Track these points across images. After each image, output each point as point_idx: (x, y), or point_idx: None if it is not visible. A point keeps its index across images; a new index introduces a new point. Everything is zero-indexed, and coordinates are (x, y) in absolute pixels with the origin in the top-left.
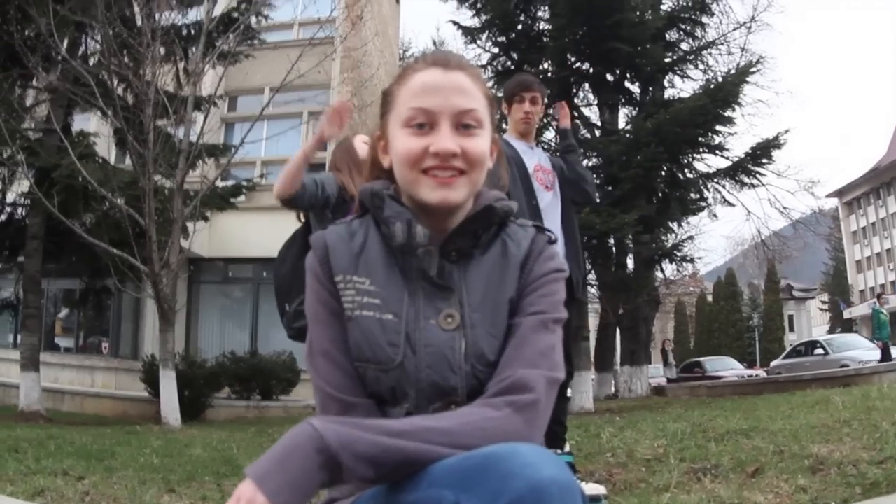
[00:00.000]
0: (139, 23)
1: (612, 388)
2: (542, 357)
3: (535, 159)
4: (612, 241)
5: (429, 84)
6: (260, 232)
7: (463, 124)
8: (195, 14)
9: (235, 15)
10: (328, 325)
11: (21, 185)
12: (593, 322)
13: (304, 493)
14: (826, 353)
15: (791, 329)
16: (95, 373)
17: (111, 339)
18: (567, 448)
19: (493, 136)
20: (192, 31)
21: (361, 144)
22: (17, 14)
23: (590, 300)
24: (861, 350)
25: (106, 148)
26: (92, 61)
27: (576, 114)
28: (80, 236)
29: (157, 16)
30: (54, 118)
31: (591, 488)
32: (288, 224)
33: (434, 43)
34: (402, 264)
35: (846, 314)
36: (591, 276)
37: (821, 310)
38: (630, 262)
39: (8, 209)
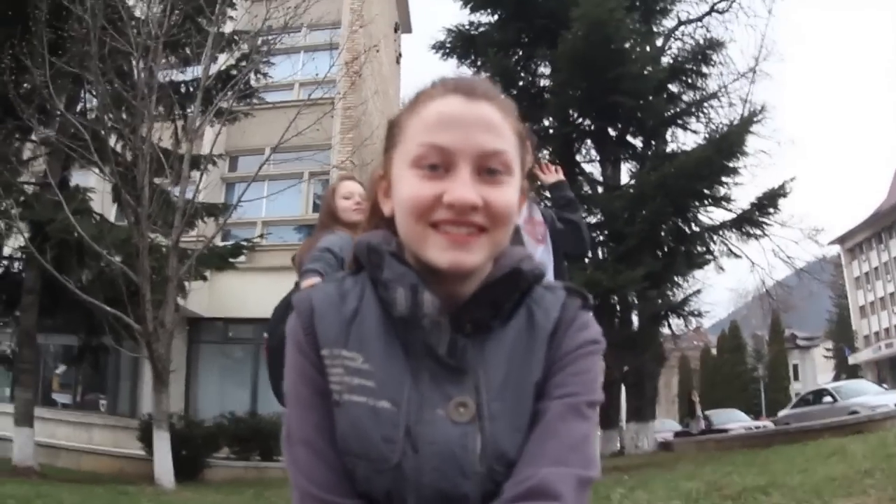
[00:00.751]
0: (136, 77)
1: (618, 445)
2: (571, 451)
3: (526, 211)
4: (615, 298)
5: (447, 115)
6: (260, 292)
7: (488, 169)
8: (193, 72)
9: (234, 72)
10: (312, 407)
11: (18, 239)
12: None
13: None
14: (835, 401)
15: (796, 378)
16: (93, 430)
17: (109, 397)
18: None
19: (522, 185)
20: (191, 89)
21: (341, 199)
22: (11, 63)
23: None
24: (870, 395)
25: (105, 204)
26: (91, 115)
27: (577, 170)
28: (75, 293)
29: (154, 72)
30: (50, 172)
31: None
32: (287, 285)
33: None
34: (404, 338)
35: (851, 360)
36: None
37: (825, 357)
38: (635, 319)
39: (4, 262)
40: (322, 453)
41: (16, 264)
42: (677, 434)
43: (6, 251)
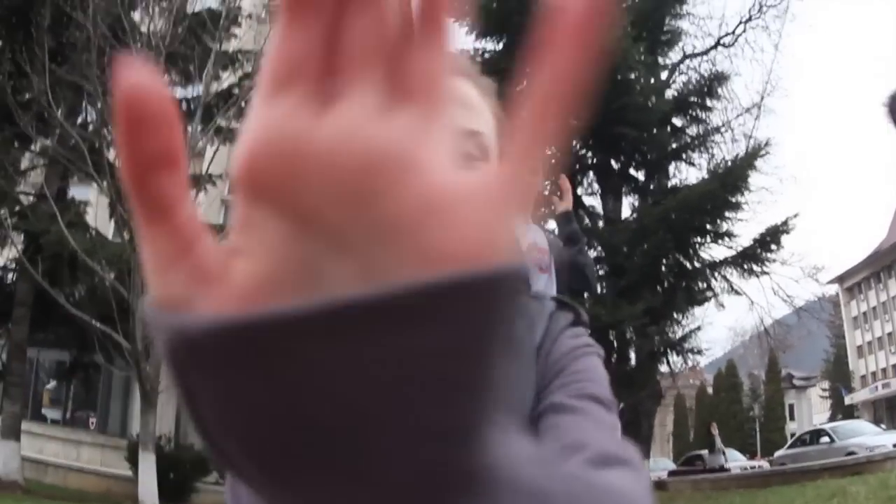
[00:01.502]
0: None
1: None
2: (598, 431)
3: (530, 237)
4: (612, 333)
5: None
6: None
7: (466, 149)
8: (194, 90)
9: (235, 91)
10: None
11: (11, 250)
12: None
13: None
14: (832, 441)
15: (792, 418)
16: (81, 447)
17: (99, 415)
18: None
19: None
20: (191, 107)
21: None
22: (8, 67)
23: None
24: (868, 436)
25: (102, 218)
26: (91, 128)
27: (579, 203)
28: (64, 306)
29: None
30: (47, 184)
31: None
32: None
33: None
34: None
35: (847, 400)
36: None
37: (821, 397)
38: (633, 355)
39: None
40: None
41: (9, 276)
42: (672, 473)
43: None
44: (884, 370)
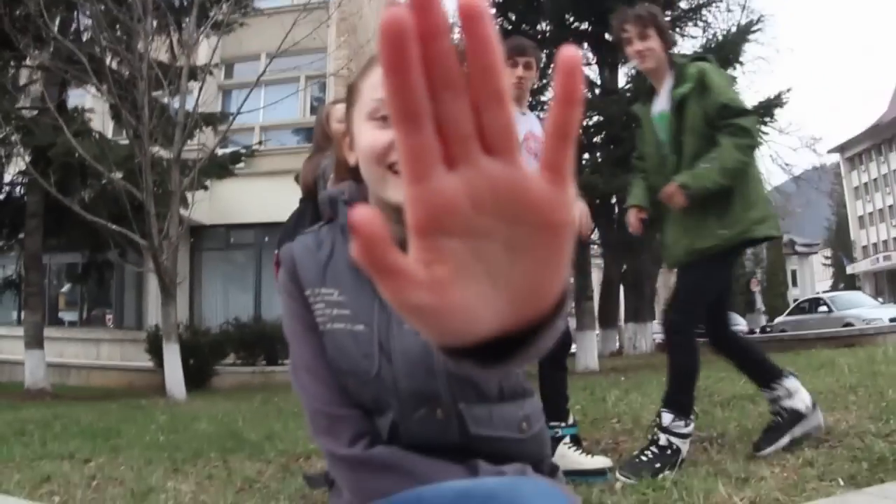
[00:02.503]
0: None
1: (617, 345)
2: None
3: (527, 126)
4: (613, 200)
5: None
6: (260, 197)
7: None
8: None
9: None
10: (306, 340)
11: (18, 165)
12: (597, 279)
13: None
14: (830, 311)
15: (794, 284)
16: (100, 345)
17: (115, 311)
18: (571, 420)
19: None
20: (185, 2)
21: (336, 123)
22: None
23: (592, 257)
24: (865, 308)
25: (101, 123)
26: (85, 38)
27: None
28: (79, 213)
29: None
30: (48, 96)
31: (598, 461)
32: (287, 189)
33: None
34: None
35: (849, 269)
36: (594, 235)
37: (824, 265)
38: None
39: (6, 188)
40: (320, 375)
41: (17, 189)
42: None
43: (7, 177)
44: (885, 242)
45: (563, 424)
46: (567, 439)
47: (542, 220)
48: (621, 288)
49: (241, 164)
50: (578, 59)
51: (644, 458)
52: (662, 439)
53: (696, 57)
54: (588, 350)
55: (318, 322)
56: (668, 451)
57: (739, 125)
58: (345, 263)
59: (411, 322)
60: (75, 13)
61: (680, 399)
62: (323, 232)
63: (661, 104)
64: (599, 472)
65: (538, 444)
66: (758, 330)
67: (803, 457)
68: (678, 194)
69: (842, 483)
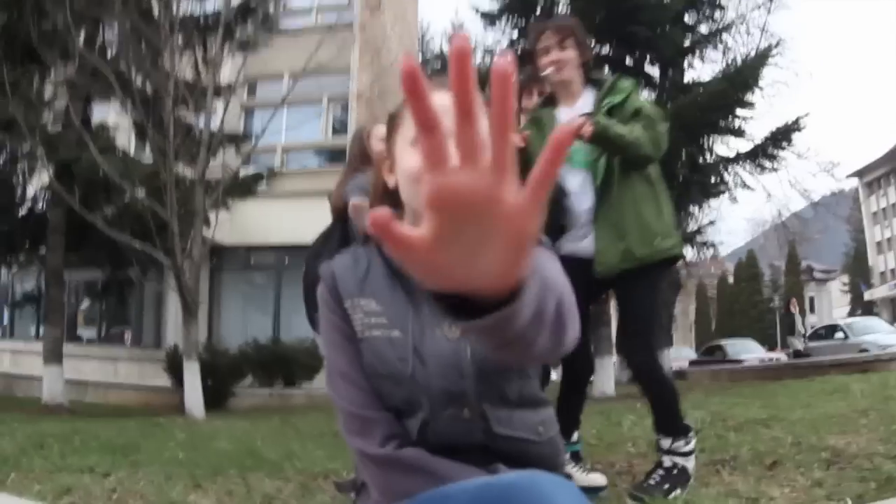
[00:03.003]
0: (156, 14)
1: None
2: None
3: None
4: None
5: (438, 107)
6: (281, 218)
7: None
8: (213, 4)
9: (253, 4)
10: (343, 349)
11: (42, 179)
12: (614, 304)
13: None
14: (846, 337)
15: (812, 310)
16: (118, 363)
17: (134, 329)
18: (575, 437)
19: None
20: (210, 21)
21: (377, 141)
22: (33, 10)
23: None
24: (881, 334)
25: (126, 139)
26: (110, 53)
27: None
28: (102, 229)
29: (174, 7)
30: (73, 111)
31: (593, 478)
32: (308, 211)
33: (453, 26)
34: (406, 284)
35: (867, 296)
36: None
37: (842, 291)
38: None
39: (29, 203)
40: (355, 381)
41: (40, 204)
42: (693, 363)
43: (30, 191)
44: None
45: (564, 441)
46: (567, 456)
47: (508, 228)
48: None
49: (263, 185)
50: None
51: (652, 482)
52: (666, 461)
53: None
54: (605, 376)
55: (357, 331)
56: (675, 471)
57: (654, 126)
58: (381, 277)
59: (413, 272)
60: (101, 28)
61: (670, 423)
62: (360, 251)
63: (571, 115)
64: (592, 490)
65: (553, 449)
66: (792, 352)
67: (812, 478)
68: (588, 126)
69: (850, 503)
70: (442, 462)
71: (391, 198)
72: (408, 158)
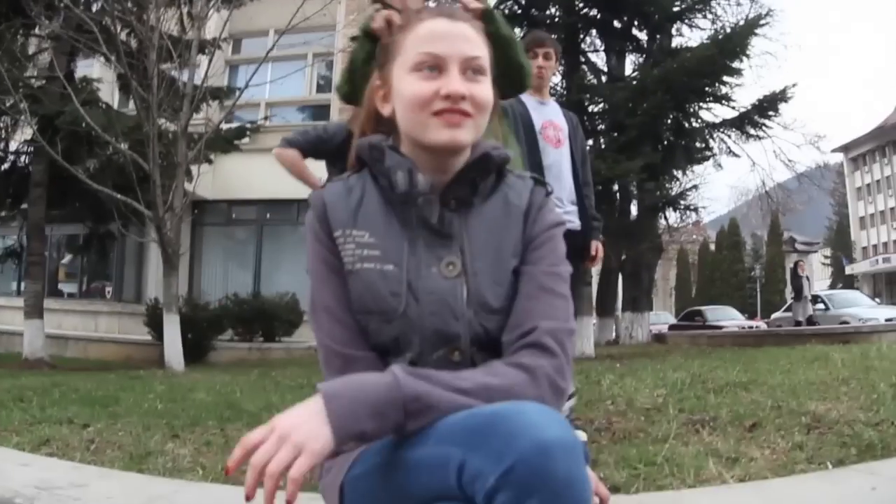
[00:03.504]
0: None
1: (613, 334)
2: (560, 310)
3: (546, 116)
4: (616, 187)
5: (437, 31)
6: (263, 173)
7: (471, 69)
8: None
9: None
10: (329, 281)
11: (24, 133)
12: (596, 267)
13: (361, 427)
14: (827, 309)
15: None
16: (99, 318)
17: (114, 284)
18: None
19: (493, 88)
20: None
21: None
22: None
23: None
24: (862, 307)
25: (109, 93)
26: (95, 7)
27: (582, 59)
28: (84, 182)
29: None
30: (57, 65)
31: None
32: None
33: None
34: (402, 215)
35: (848, 270)
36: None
37: (823, 264)
38: (634, 209)
39: (11, 157)
40: (339, 317)
41: (22, 158)
42: (672, 327)
43: (12, 146)
44: (885, 244)
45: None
46: (553, 411)
47: None
48: (619, 277)
49: (246, 140)
50: None
51: None
52: None
53: None
54: (584, 336)
55: (347, 262)
56: None
57: None
58: (376, 207)
59: None
60: None
61: None
62: (352, 179)
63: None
64: None
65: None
66: (804, 321)
67: (793, 441)
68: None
69: (830, 466)
70: None
71: (385, 126)
72: (411, 85)
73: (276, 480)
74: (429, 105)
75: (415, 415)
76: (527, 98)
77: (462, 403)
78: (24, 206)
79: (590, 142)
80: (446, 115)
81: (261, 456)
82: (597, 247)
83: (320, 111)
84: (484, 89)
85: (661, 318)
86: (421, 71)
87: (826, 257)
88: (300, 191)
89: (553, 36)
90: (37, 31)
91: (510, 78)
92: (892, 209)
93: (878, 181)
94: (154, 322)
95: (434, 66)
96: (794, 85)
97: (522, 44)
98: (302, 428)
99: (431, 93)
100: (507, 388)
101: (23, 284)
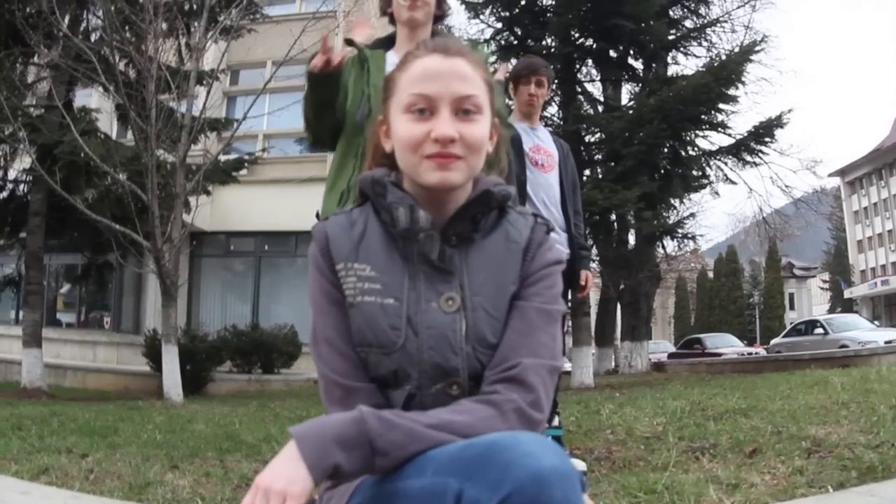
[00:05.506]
0: None
1: (612, 363)
2: (545, 348)
3: (535, 141)
4: (613, 216)
5: (429, 70)
6: (261, 205)
7: (462, 110)
8: None
9: None
10: (330, 314)
11: (23, 162)
12: (594, 297)
13: (334, 460)
14: (826, 333)
15: (791, 307)
16: (97, 347)
17: (113, 314)
18: (556, 422)
19: (493, 121)
20: (195, 6)
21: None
22: None
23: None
24: (861, 331)
25: (108, 123)
26: (94, 37)
27: (578, 89)
28: (83, 212)
29: None
30: (56, 95)
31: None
32: (288, 198)
33: None
34: (403, 249)
35: (847, 294)
36: (593, 252)
37: (822, 289)
38: (631, 238)
39: (10, 186)
40: (340, 348)
41: (21, 187)
42: (671, 355)
43: (11, 174)
44: (883, 267)
45: (546, 425)
46: (549, 440)
47: None
48: (618, 306)
49: (244, 172)
50: None
51: None
52: None
53: None
54: (583, 366)
55: (348, 295)
56: None
57: None
58: (378, 241)
59: None
60: (85, 12)
61: None
62: (355, 213)
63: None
64: None
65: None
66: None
67: (793, 465)
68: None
69: (831, 490)
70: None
71: (389, 161)
72: (401, 127)
73: None
74: (420, 147)
75: (382, 451)
76: (517, 123)
77: (429, 439)
78: (23, 234)
79: (587, 172)
80: (437, 158)
81: None
82: (586, 276)
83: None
84: (476, 129)
85: (661, 346)
86: (412, 112)
87: (824, 282)
88: (298, 223)
89: (554, 76)
90: (36, 59)
91: None
92: (889, 231)
93: (875, 204)
94: (152, 353)
95: (425, 107)
96: (789, 110)
97: (516, 69)
98: (281, 475)
99: (422, 135)
100: (471, 424)
101: (21, 313)
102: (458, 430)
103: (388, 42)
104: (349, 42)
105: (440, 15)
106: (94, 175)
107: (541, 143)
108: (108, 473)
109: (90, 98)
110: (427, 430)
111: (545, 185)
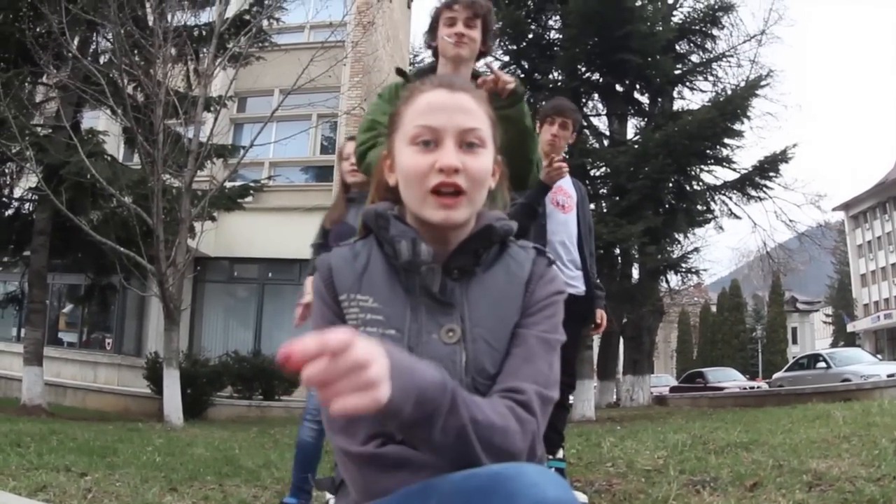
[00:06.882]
0: (151, 23)
1: (614, 397)
2: (542, 375)
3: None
4: (617, 250)
5: (434, 103)
6: (266, 232)
7: (467, 142)
8: (207, 15)
9: (247, 17)
10: None
11: (29, 181)
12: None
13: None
14: (828, 367)
15: (794, 341)
16: (98, 368)
17: (115, 336)
18: (560, 454)
19: (496, 157)
20: (204, 33)
21: (344, 162)
22: (29, 12)
23: None
24: (863, 364)
25: (115, 146)
26: (102, 59)
27: (584, 123)
28: (87, 233)
29: (169, 16)
30: (63, 115)
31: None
32: (293, 226)
33: None
34: (405, 282)
35: (850, 328)
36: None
37: (824, 323)
38: (635, 272)
39: (15, 204)
40: None
41: (27, 205)
42: (673, 389)
43: (17, 193)
44: (886, 300)
45: (549, 457)
46: (552, 472)
47: None
48: (620, 340)
49: (249, 199)
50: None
51: None
52: None
53: None
54: (585, 399)
55: (350, 325)
56: None
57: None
58: (380, 274)
59: None
60: (95, 34)
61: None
62: (358, 245)
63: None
64: None
65: (538, 462)
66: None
67: (794, 499)
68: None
69: None
70: (426, 457)
71: (393, 195)
72: (406, 158)
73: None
74: (425, 179)
75: (450, 410)
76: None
77: (470, 428)
78: (27, 252)
79: (592, 206)
80: (441, 197)
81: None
82: (602, 315)
83: (323, 172)
84: (480, 162)
85: (663, 380)
86: (417, 144)
87: (827, 315)
88: (302, 251)
89: (581, 120)
90: (44, 79)
91: (512, 171)
92: (893, 265)
93: (878, 238)
94: (153, 375)
95: (430, 139)
96: (794, 145)
97: (544, 109)
98: None
99: (427, 166)
100: (503, 429)
101: (23, 331)
102: (492, 433)
103: (430, 71)
104: (400, 72)
105: (484, 52)
106: (100, 197)
107: (562, 184)
108: (106, 493)
109: (98, 120)
110: (472, 423)
111: (565, 225)
